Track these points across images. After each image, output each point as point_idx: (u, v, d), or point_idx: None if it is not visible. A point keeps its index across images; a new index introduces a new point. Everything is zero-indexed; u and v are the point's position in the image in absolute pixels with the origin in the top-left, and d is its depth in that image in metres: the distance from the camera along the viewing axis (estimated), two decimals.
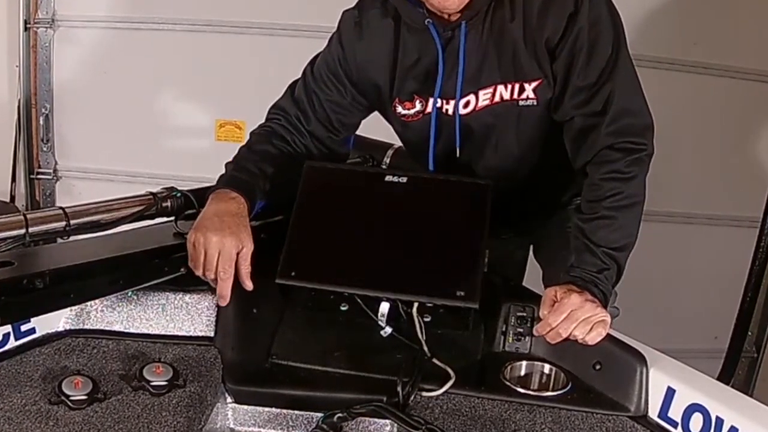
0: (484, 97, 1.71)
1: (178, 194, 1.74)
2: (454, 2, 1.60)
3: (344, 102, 1.80)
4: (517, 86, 1.68)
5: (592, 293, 1.51)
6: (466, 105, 1.72)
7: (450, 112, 1.74)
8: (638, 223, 1.61)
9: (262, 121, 1.83)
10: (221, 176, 1.70)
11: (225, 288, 1.57)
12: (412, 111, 1.77)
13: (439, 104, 1.74)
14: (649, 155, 1.63)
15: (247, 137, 1.81)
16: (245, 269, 1.58)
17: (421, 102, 1.75)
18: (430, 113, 1.75)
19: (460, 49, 1.67)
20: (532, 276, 2.03)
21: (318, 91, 1.79)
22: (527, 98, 1.68)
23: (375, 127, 2.03)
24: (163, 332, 1.64)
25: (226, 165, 1.72)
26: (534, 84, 1.67)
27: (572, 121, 1.66)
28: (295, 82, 1.85)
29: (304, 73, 1.83)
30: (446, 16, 1.66)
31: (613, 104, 1.61)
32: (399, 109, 1.78)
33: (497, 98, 1.70)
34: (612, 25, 1.63)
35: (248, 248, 1.58)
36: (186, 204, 1.74)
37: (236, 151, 1.75)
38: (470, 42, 1.67)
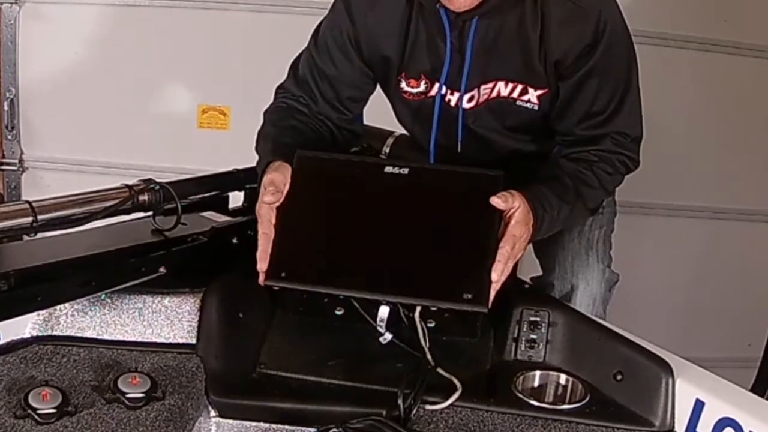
0: (483, 91, 1.79)
1: (157, 187, 1.74)
2: (464, 3, 1.65)
3: (353, 77, 1.85)
4: (519, 87, 1.79)
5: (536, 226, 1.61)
6: (470, 99, 1.81)
7: (453, 103, 1.82)
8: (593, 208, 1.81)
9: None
10: (260, 157, 1.73)
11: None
12: (415, 90, 1.84)
13: (443, 92, 1.81)
14: (635, 168, 1.83)
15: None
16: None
17: (426, 83, 1.83)
18: (432, 97, 1.83)
19: (468, 44, 1.74)
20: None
21: (324, 68, 1.83)
22: (528, 101, 1.80)
23: (374, 116, 2.03)
24: (140, 339, 1.63)
25: (257, 149, 1.76)
26: (540, 92, 1.78)
27: (574, 134, 1.80)
28: (296, 61, 1.88)
29: (307, 48, 1.87)
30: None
31: (617, 127, 1.77)
32: (403, 84, 1.85)
33: (494, 94, 1.79)
34: (626, 53, 1.77)
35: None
36: (165, 198, 1.74)
37: (256, 135, 1.78)
38: (483, 36, 1.73)
